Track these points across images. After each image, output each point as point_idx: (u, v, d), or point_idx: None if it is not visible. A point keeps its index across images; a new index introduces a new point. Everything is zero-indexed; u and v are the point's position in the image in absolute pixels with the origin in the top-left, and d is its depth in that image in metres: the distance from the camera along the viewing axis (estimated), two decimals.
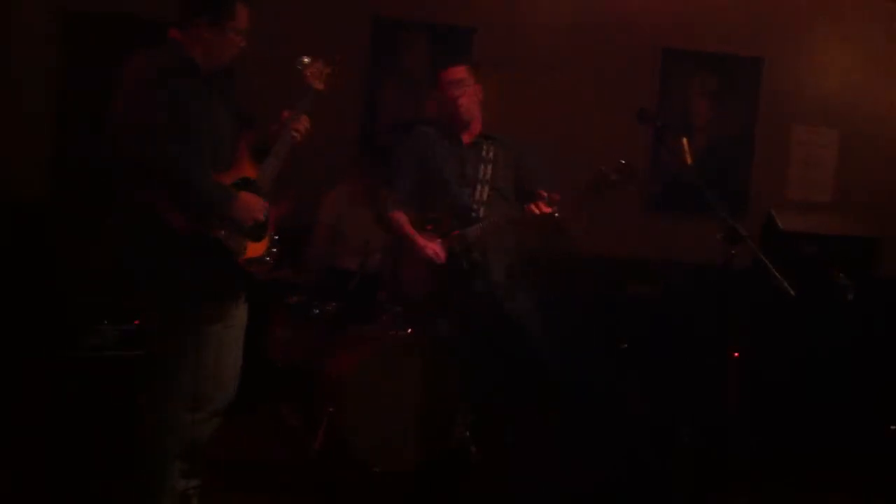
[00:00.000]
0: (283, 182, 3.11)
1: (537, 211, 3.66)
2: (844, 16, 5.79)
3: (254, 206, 2.89)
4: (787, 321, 4.30)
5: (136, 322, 4.22)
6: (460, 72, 3.91)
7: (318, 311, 4.50)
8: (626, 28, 5.71)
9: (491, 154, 3.95)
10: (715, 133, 5.86)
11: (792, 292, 2.75)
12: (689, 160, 3.52)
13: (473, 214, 3.85)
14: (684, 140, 3.60)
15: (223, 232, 2.82)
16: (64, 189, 5.28)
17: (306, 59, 3.21)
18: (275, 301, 4.57)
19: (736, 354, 3.23)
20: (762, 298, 3.29)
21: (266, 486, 3.83)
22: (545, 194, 3.68)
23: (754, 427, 4.30)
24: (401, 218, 3.93)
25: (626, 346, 4.84)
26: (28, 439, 3.84)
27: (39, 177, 5.36)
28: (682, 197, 5.51)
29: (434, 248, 3.81)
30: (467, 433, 4.12)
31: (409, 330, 4.31)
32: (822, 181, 5.90)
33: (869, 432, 4.33)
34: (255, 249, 2.93)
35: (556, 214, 3.65)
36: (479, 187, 3.91)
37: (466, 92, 3.89)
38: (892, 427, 4.27)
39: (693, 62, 5.82)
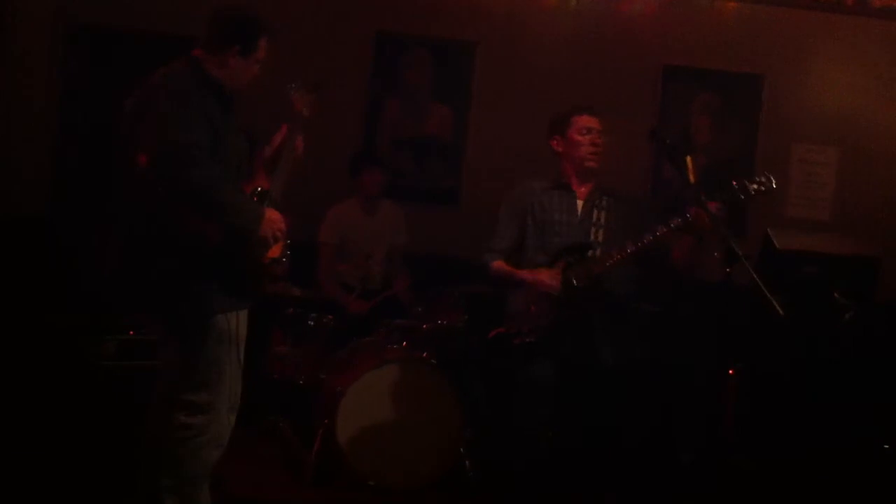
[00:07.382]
0: (288, 195, 3.17)
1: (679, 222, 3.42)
2: (845, 34, 5.80)
3: (276, 220, 2.99)
4: (784, 340, 4.29)
5: (132, 333, 4.28)
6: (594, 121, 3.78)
7: (312, 323, 4.49)
8: (627, 44, 5.72)
9: (604, 202, 3.74)
10: (715, 150, 5.86)
11: (781, 311, 2.74)
12: (693, 178, 3.53)
13: (590, 252, 3.63)
14: (689, 158, 3.62)
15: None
16: (64, 200, 5.31)
17: (293, 85, 3.28)
18: (273, 315, 4.56)
19: (731, 372, 3.24)
20: (760, 317, 3.29)
21: (263, 502, 3.82)
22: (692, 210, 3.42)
23: (751, 442, 4.29)
24: (501, 266, 3.74)
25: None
26: (29, 450, 3.83)
27: (40, 188, 5.38)
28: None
29: (543, 279, 3.60)
30: (463, 450, 4.12)
31: (404, 343, 4.33)
32: (822, 200, 5.89)
33: (865, 450, 4.33)
34: (273, 251, 3.03)
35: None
36: (593, 230, 3.70)
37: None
38: (886, 446, 4.26)
39: (694, 79, 5.83)
